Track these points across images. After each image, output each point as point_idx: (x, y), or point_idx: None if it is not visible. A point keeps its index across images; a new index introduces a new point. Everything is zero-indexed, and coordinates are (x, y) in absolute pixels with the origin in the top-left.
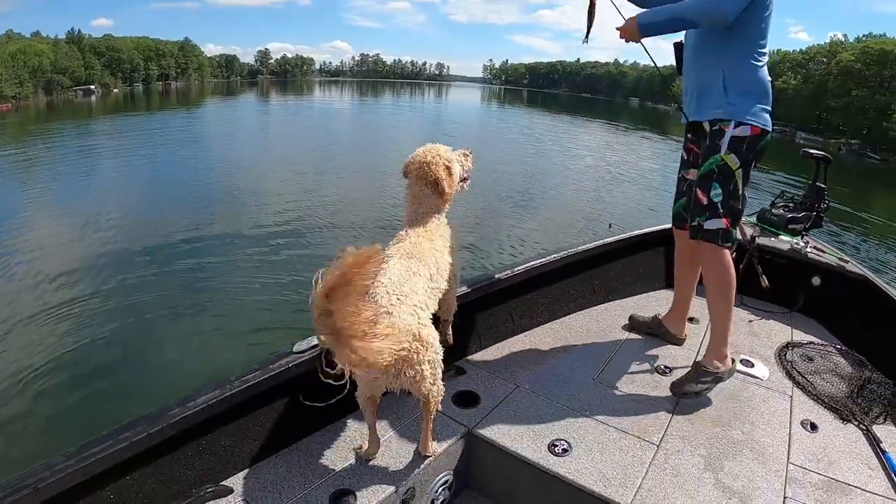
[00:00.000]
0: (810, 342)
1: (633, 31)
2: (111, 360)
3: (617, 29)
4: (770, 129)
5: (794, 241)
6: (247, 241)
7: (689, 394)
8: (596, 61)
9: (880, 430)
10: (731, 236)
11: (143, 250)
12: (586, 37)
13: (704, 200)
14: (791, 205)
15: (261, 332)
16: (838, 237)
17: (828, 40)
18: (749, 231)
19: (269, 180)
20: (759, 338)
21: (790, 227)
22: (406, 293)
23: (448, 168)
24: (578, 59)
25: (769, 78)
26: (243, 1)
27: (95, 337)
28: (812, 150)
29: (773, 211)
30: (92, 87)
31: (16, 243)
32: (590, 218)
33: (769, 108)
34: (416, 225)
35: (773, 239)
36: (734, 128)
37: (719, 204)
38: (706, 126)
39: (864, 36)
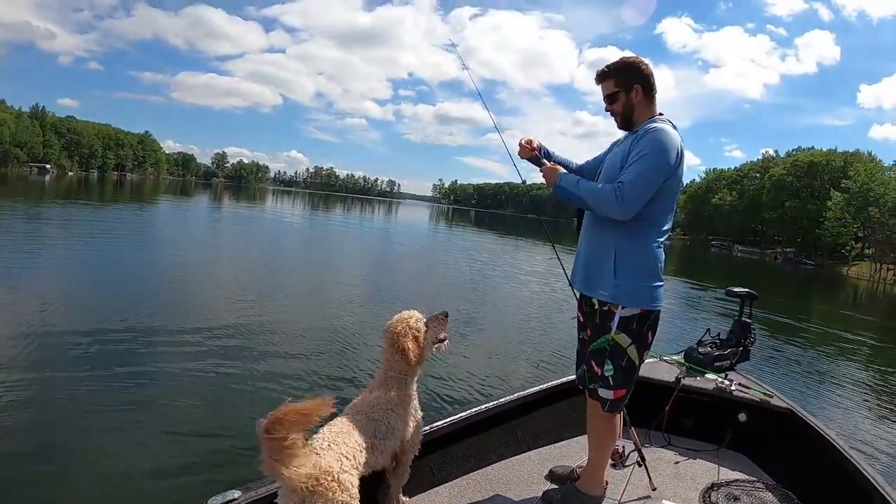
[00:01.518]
0: (736, 480)
1: (550, 183)
2: (24, 453)
3: (541, 170)
4: (659, 308)
5: (720, 378)
6: (182, 354)
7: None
8: (542, 184)
9: None
10: (617, 406)
11: (74, 338)
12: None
13: (598, 373)
14: (718, 342)
15: (177, 466)
16: (771, 361)
17: (760, 156)
18: (675, 372)
19: (212, 287)
20: (683, 480)
21: (716, 364)
22: (337, 442)
23: (416, 339)
24: (524, 181)
25: (663, 257)
26: (209, 102)
27: (11, 427)
28: (736, 289)
29: (699, 350)
30: (48, 166)
31: None
32: (524, 356)
33: (660, 284)
34: (382, 386)
35: (699, 378)
36: (622, 309)
37: (610, 378)
38: (595, 303)
39: (794, 150)
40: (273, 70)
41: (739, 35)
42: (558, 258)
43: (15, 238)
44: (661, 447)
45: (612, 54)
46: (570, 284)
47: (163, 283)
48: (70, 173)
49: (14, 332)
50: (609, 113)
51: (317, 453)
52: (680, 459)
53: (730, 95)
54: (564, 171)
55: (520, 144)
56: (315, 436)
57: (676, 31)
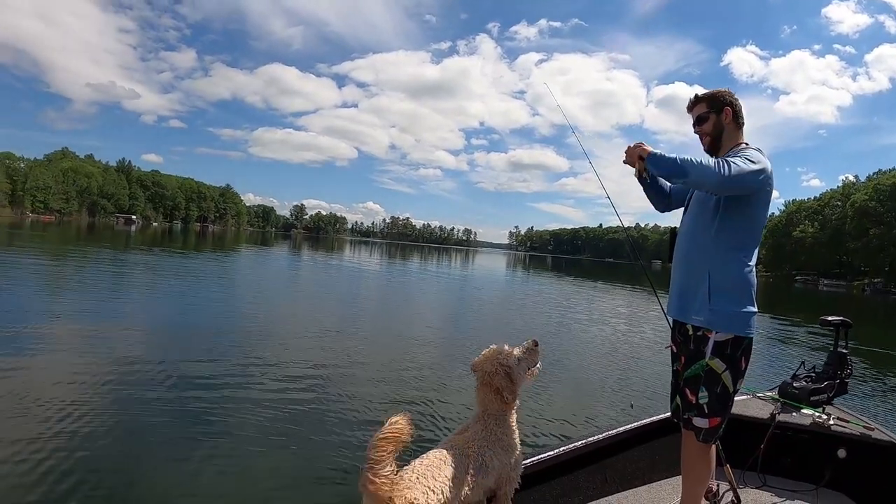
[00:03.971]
0: None
1: (642, 154)
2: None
3: (627, 152)
4: (752, 336)
5: (816, 413)
6: (265, 393)
7: None
8: (618, 226)
9: None
10: (712, 435)
11: (156, 376)
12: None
13: (693, 400)
14: (813, 375)
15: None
16: (871, 393)
17: (840, 183)
18: (770, 408)
19: (294, 329)
20: None
21: (812, 398)
22: (426, 475)
23: (509, 375)
24: (601, 224)
25: (755, 283)
26: (286, 156)
27: (97, 463)
28: (829, 318)
29: (794, 384)
30: (133, 216)
31: (23, 347)
32: (611, 397)
33: (753, 310)
34: (480, 423)
35: (794, 414)
36: (716, 334)
37: (705, 406)
38: (689, 329)
39: (874, 173)
40: (347, 124)
41: (806, 58)
42: (652, 286)
43: (105, 281)
44: (757, 487)
45: (681, 90)
46: (664, 314)
47: (245, 323)
48: (154, 224)
49: (107, 366)
50: (698, 135)
51: (404, 484)
52: (776, 500)
53: (802, 122)
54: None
55: (627, 152)
56: (405, 468)
57: (742, 60)
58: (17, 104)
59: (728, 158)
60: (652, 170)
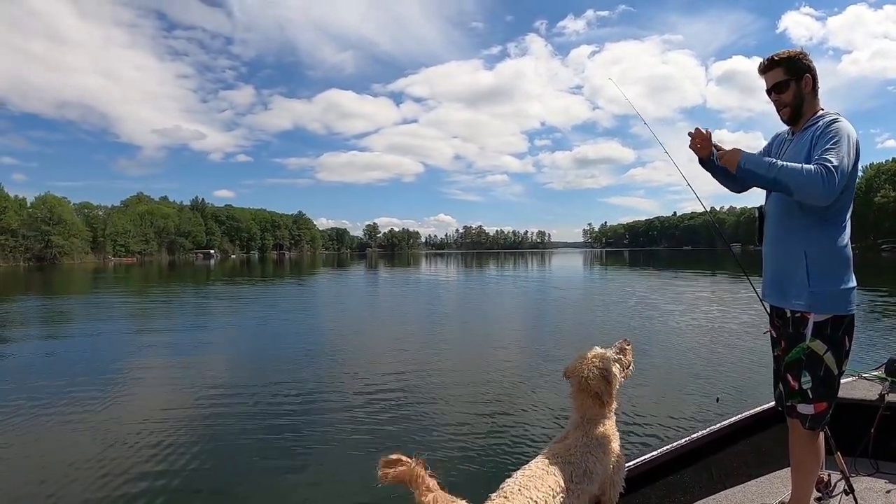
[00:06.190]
0: None
1: (732, 163)
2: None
3: (718, 156)
4: (853, 312)
5: None
6: (352, 411)
7: None
8: (692, 212)
9: None
10: (819, 421)
11: (246, 399)
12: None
13: (795, 386)
14: None
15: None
16: None
17: None
18: (878, 388)
19: (377, 339)
20: None
21: None
22: (528, 486)
23: (606, 377)
24: (675, 212)
25: (852, 256)
26: (353, 178)
27: (194, 483)
28: None
29: None
30: (211, 251)
31: (124, 380)
32: (711, 387)
33: (853, 284)
34: (579, 429)
35: None
36: (815, 315)
37: (809, 391)
38: (787, 312)
39: None
40: (409, 140)
41: (864, 12)
42: (745, 274)
43: (190, 314)
44: (869, 475)
45: (740, 64)
46: (761, 300)
47: (328, 343)
48: (233, 256)
49: (197, 393)
50: (776, 104)
51: (506, 497)
52: (891, 487)
53: (869, 80)
54: (745, 150)
55: (691, 136)
56: (507, 480)
57: (798, 24)
58: (90, 157)
59: (825, 162)
60: (744, 177)
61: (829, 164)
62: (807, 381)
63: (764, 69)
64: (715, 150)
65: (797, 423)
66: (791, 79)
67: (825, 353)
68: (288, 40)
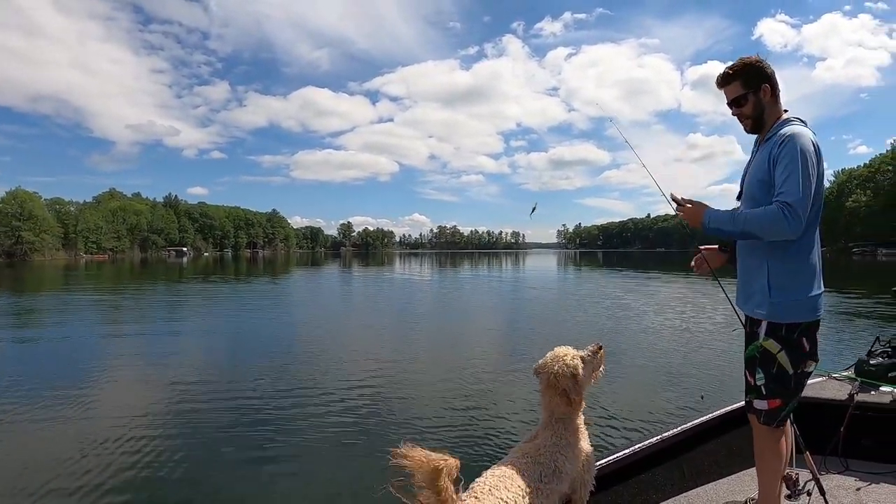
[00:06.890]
0: None
1: (695, 222)
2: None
3: (678, 210)
4: (815, 319)
5: None
6: (327, 407)
7: None
8: (666, 215)
9: None
10: (773, 417)
11: (219, 396)
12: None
13: (752, 382)
14: (889, 350)
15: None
16: None
17: (888, 147)
18: (847, 388)
19: (350, 339)
20: None
21: (890, 375)
22: (499, 486)
23: (575, 377)
24: (648, 214)
25: (819, 262)
26: (328, 176)
27: (158, 480)
28: None
29: (870, 361)
30: (184, 248)
31: (96, 380)
32: (684, 388)
33: (818, 292)
34: (549, 429)
35: (873, 392)
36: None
37: (762, 387)
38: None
39: None
40: (384, 139)
41: (838, 21)
42: (714, 275)
43: (162, 312)
44: (839, 473)
45: (715, 69)
46: (731, 303)
47: (302, 341)
48: (206, 254)
49: (171, 390)
50: (737, 117)
51: (476, 497)
52: (861, 485)
53: (842, 87)
54: (707, 205)
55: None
56: (477, 480)
57: (773, 31)
58: (63, 152)
59: (784, 198)
60: (710, 234)
61: (788, 201)
62: (760, 378)
63: (721, 83)
64: (678, 204)
65: (755, 419)
66: (748, 91)
67: (779, 352)
68: (265, 36)
